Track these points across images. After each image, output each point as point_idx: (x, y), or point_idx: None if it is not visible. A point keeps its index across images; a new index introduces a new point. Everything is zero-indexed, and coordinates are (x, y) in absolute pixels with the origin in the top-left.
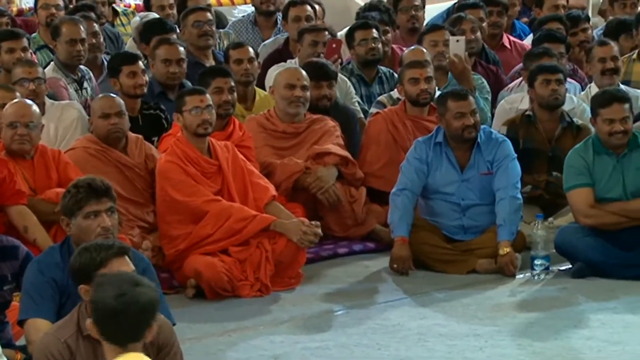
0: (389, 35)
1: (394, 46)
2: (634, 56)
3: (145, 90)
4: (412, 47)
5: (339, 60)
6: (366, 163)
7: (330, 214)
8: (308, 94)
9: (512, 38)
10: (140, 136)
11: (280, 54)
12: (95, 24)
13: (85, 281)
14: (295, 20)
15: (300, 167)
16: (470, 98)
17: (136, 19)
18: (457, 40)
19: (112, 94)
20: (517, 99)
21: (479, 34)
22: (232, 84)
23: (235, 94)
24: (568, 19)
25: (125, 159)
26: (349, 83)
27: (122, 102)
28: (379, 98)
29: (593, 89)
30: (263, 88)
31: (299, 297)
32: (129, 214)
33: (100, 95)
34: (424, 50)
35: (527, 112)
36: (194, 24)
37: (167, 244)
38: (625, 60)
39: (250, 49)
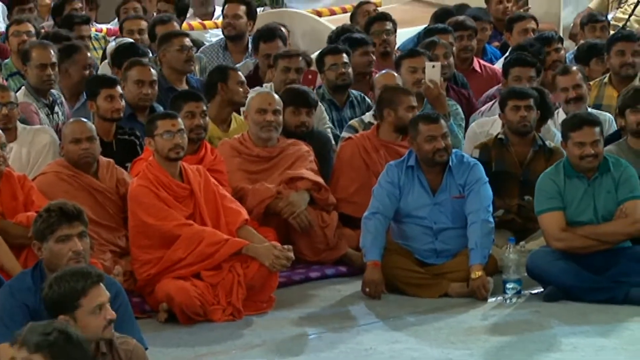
0: (373, 56)
1: None
2: (605, 80)
3: (122, 114)
4: (384, 72)
5: (314, 90)
6: (338, 188)
7: (302, 239)
8: (280, 118)
9: (482, 62)
10: (111, 160)
11: (251, 79)
12: (88, 53)
13: (65, 311)
14: (265, 57)
15: (271, 192)
16: (442, 121)
17: (112, 44)
18: (433, 66)
19: (83, 119)
20: (487, 122)
21: (451, 59)
22: (204, 108)
23: (207, 118)
24: (541, 39)
25: (97, 184)
26: (322, 108)
27: (93, 127)
28: (351, 122)
29: (561, 114)
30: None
31: (272, 321)
32: (101, 238)
33: (71, 119)
34: (395, 74)
35: (499, 136)
36: (181, 48)
37: (139, 268)
38: (596, 84)
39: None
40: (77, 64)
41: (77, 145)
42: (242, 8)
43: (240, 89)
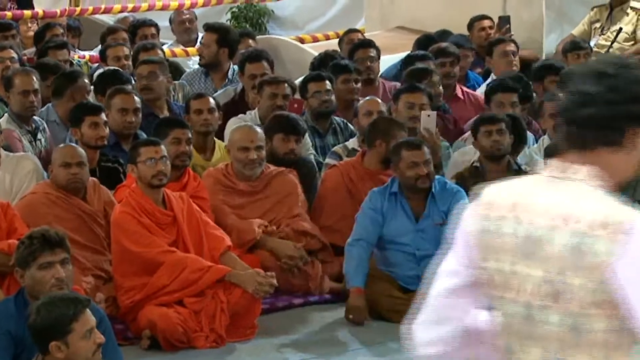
0: (359, 84)
1: None
2: None
3: (106, 142)
4: (368, 98)
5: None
6: (322, 216)
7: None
8: (264, 152)
9: (464, 89)
10: (96, 180)
11: (236, 105)
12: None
13: (56, 337)
14: (251, 78)
15: (253, 235)
16: (425, 148)
17: (97, 72)
18: (429, 115)
19: (74, 144)
20: (470, 151)
21: (441, 87)
22: (190, 135)
23: (191, 146)
24: (549, 67)
25: (85, 207)
26: (306, 135)
27: (83, 152)
28: (334, 148)
29: (546, 140)
30: (222, 138)
31: (255, 348)
32: (87, 261)
33: (62, 144)
34: (379, 101)
35: (474, 164)
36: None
37: (122, 295)
38: None
39: (211, 100)
40: (81, 89)
41: (66, 170)
42: (213, 37)
43: (202, 118)
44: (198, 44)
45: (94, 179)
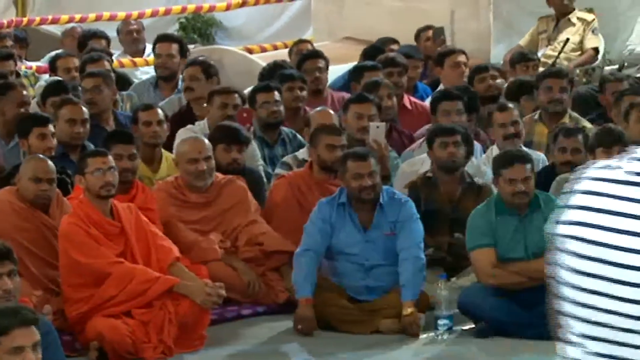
0: (305, 92)
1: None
2: (536, 117)
3: (54, 153)
4: (319, 109)
5: (251, 128)
6: (271, 227)
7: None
8: (212, 162)
9: (412, 99)
10: (59, 193)
11: (182, 115)
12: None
13: None
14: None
15: (215, 256)
16: (371, 159)
17: (41, 83)
18: (377, 127)
19: (46, 158)
20: (418, 161)
21: (394, 99)
22: (134, 150)
23: (136, 161)
24: (477, 69)
25: (47, 220)
26: (254, 145)
27: (54, 167)
28: (284, 159)
29: (494, 151)
30: (170, 149)
31: (203, 359)
32: (41, 274)
33: (32, 156)
34: (331, 112)
35: (427, 174)
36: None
37: (69, 306)
38: (527, 121)
39: (160, 112)
40: (12, 101)
41: (36, 185)
42: (175, 47)
43: (150, 130)
44: (150, 54)
45: (58, 190)
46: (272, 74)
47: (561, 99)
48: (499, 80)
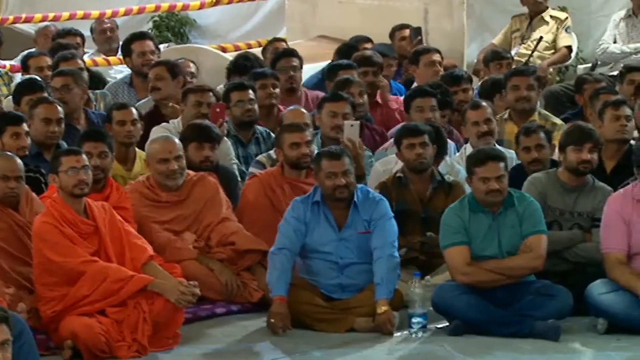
0: (277, 89)
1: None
2: (505, 116)
3: (27, 152)
4: (291, 108)
5: (225, 123)
6: (244, 226)
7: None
8: (184, 161)
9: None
10: (29, 190)
11: (151, 116)
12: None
13: None
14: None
15: (190, 255)
16: (345, 158)
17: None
18: (352, 125)
19: (14, 155)
20: (391, 160)
21: (365, 97)
22: (105, 149)
23: (108, 159)
24: (450, 77)
25: (18, 218)
26: (228, 143)
27: (22, 165)
28: (258, 158)
29: (468, 149)
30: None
31: (177, 358)
32: (13, 271)
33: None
34: (304, 111)
35: (398, 174)
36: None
37: (43, 306)
38: (498, 119)
39: (134, 111)
40: None
41: (4, 183)
42: (151, 44)
43: (125, 129)
44: (120, 53)
45: (27, 187)
46: (238, 67)
47: (528, 97)
48: (470, 93)
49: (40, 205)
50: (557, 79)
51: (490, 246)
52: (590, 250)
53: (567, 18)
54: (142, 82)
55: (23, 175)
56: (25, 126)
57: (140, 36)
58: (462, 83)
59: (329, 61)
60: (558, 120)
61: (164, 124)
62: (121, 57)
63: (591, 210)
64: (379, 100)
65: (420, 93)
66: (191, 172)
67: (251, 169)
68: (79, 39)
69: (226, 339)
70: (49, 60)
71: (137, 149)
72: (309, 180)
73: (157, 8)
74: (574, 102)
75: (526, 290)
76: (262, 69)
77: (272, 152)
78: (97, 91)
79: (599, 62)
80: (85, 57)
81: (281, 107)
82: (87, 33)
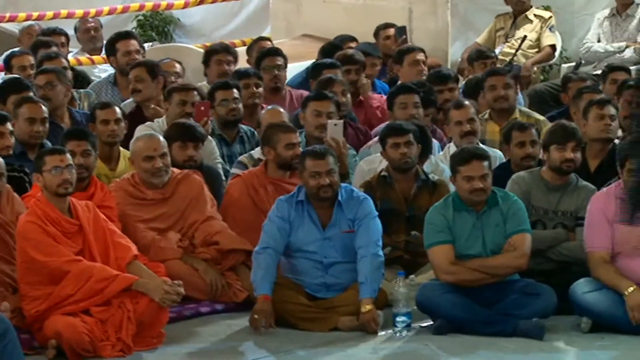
0: (261, 89)
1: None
2: (486, 116)
3: (11, 151)
4: (269, 108)
5: (209, 121)
6: (227, 226)
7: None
8: (168, 159)
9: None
10: (10, 189)
11: (133, 116)
12: None
13: None
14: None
15: (175, 255)
16: (329, 158)
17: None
18: (335, 124)
19: None
20: (376, 159)
21: (349, 96)
22: (88, 147)
23: (91, 157)
24: (437, 77)
25: None
26: (213, 143)
27: (3, 164)
28: (240, 158)
29: (452, 148)
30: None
31: (162, 357)
32: None
33: None
34: (282, 110)
35: (382, 173)
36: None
37: (27, 305)
38: (480, 119)
39: (118, 110)
40: None
41: None
42: (135, 43)
43: (108, 128)
44: (104, 52)
45: (8, 186)
46: (208, 55)
47: (506, 96)
48: (456, 92)
49: (20, 205)
50: (541, 77)
51: (474, 245)
52: (574, 249)
53: (551, 17)
54: (127, 82)
55: (5, 173)
56: (9, 125)
57: (125, 35)
58: (448, 82)
59: (314, 60)
60: (540, 117)
61: (148, 122)
62: (105, 56)
63: (575, 209)
64: (362, 99)
65: (403, 90)
66: (176, 170)
67: (233, 170)
68: (63, 39)
69: (211, 338)
70: (31, 59)
71: (121, 148)
72: (293, 180)
73: (142, 7)
74: (558, 101)
75: (510, 289)
76: (246, 68)
77: (253, 152)
78: (81, 90)
79: (582, 61)
80: (70, 56)
81: (265, 106)
82: (71, 32)
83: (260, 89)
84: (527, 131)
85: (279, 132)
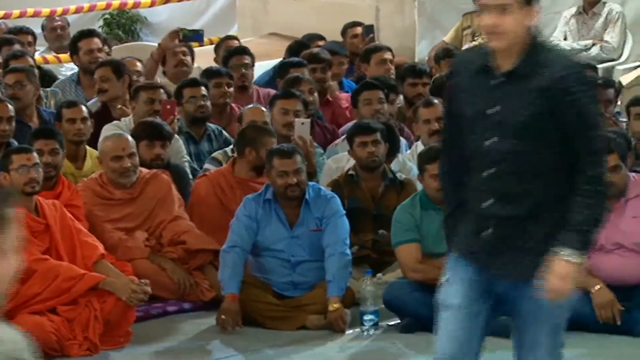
0: (231, 88)
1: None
2: None
3: None
4: (251, 106)
5: (176, 120)
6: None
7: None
8: (137, 158)
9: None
10: None
11: (99, 115)
12: None
13: None
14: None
15: (142, 254)
16: (296, 157)
17: None
18: (302, 123)
19: None
20: (344, 158)
21: (316, 94)
22: (56, 146)
23: (59, 156)
24: (412, 70)
25: None
26: (180, 141)
27: None
28: (214, 154)
29: (419, 147)
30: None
31: (129, 356)
32: None
33: None
34: (264, 110)
35: (350, 172)
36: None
37: None
38: None
39: (84, 108)
40: None
41: None
42: (98, 41)
43: (75, 127)
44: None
45: None
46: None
47: None
48: (427, 89)
49: None
50: None
51: (442, 243)
52: None
53: None
54: (90, 80)
55: None
56: None
57: (88, 34)
58: (423, 77)
59: (281, 59)
60: None
61: (115, 121)
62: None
63: None
64: (329, 98)
65: (366, 86)
66: (144, 170)
67: (206, 165)
68: (30, 37)
69: (178, 337)
70: None
71: (87, 147)
72: (260, 179)
73: (108, 6)
74: None
75: None
76: (217, 67)
77: (227, 149)
78: (48, 89)
79: None
80: (36, 55)
81: (233, 104)
82: (38, 31)
83: (231, 89)
84: None
85: (266, 135)
